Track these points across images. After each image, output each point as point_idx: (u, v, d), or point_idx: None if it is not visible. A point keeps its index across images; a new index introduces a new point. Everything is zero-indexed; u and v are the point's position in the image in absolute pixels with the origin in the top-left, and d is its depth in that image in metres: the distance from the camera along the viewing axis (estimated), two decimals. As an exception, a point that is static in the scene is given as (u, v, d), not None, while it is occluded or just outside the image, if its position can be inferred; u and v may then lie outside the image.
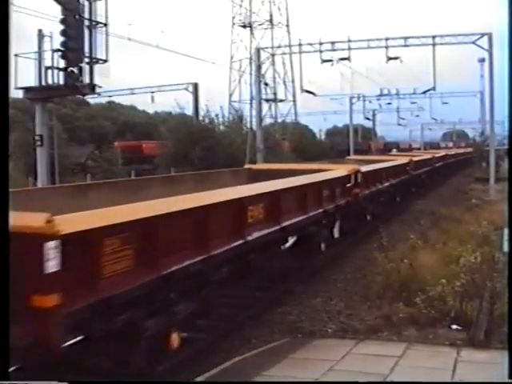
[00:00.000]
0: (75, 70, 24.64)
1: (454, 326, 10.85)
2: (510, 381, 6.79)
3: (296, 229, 13.18)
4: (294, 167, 20.33)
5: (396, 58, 41.07)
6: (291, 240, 13.34)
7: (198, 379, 8.44)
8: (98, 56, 25.21)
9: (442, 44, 39.48)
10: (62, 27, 23.83)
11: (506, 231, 10.27)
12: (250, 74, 55.53)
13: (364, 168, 19.95)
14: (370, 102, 67.21)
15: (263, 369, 8.75)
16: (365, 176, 19.64)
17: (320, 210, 14.72)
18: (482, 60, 52.62)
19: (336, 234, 16.57)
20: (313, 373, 8.55)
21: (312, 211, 14.07)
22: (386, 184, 24.53)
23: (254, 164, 27.96)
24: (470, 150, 79.58)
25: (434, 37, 39.21)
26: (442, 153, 55.15)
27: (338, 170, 17.59)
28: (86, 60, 24.78)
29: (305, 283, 14.13)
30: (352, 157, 34.69)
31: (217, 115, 48.26)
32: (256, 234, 10.82)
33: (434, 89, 44.39)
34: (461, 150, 76.75)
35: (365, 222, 20.89)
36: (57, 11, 23.93)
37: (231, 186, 11.90)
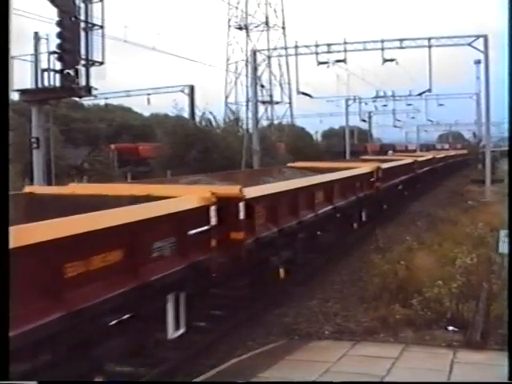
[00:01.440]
0: (71, 72, 24.60)
1: (451, 328, 10.88)
2: (510, 381, 6.83)
3: None
4: (112, 191, 10.57)
5: (392, 60, 41.11)
6: None
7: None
8: (94, 58, 25.19)
9: (437, 46, 39.51)
10: (58, 29, 23.77)
11: (502, 233, 10.31)
12: (246, 76, 55.62)
13: (262, 190, 12.46)
14: (366, 103, 67.22)
15: (260, 370, 8.75)
16: (269, 205, 12.28)
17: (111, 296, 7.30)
18: (477, 62, 52.71)
19: (172, 332, 8.72)
20: (309, 374, 8.56)
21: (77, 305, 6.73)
22: (327, 208, 16.35)
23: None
24: (464, 151, 79.44)
25: (429, 39, 39.23)
26: (428, 156, 48.06)
27: (183, 199, 9.44)
28: (83, 62, 24.75)
29: (301, 285, 14.14)
30: (299, 164, 23.57)
31: (214, 117, 48.47)
32: None
33: (429, 90, 44.37)
34: (452, 152, 74.15)
35: (276, 281, 12.65)
36: (53, 13, 23.91)
37: None
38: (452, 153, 71.37)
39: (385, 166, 25.11)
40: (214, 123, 49.17)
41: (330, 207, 16.57)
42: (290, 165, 23.08)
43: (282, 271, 12.49)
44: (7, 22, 4.91)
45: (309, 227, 14.72)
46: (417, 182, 35.81)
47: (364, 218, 20.53)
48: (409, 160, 35.10)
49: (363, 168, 22.23)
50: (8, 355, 4.76)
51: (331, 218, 16.82)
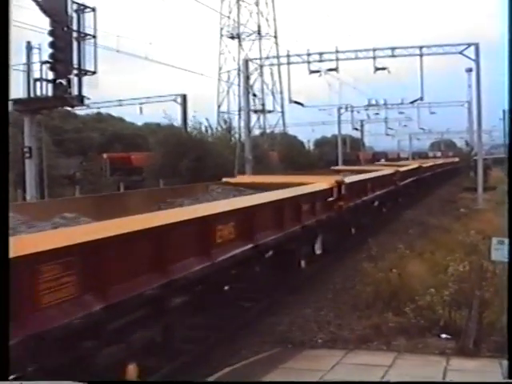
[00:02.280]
0: (64, 81, 24.64)
1: (444, 335, 10.90)
2: (509, 381, 6.89)
3: None
4: None
5: (384, 69, 41.29)
6: None
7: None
8: (87, 68, 25.24)
9: (429, 54, 39.69)
10: (50, 39, 23.81)
11: (494, 240, 10.35)
12: (239, 85, 55.66)
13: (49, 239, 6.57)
14: (358, 112, 67.48)
15: (253, 379, 8.75)
16: (78, 262, 6.72)
17: None
18: (469, 70, 52.93)
19: None
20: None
21: None
22: (242, 250, 10.95)
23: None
24: (455, 159, 79.29)
25: (421, 47, 39.40)
26: (412, 164, 42.85)
27: None
28: (75, 72, 24.80)
29: (295, 294, 14.14)
30: (239, 178, 19.64)
31: (207, 127, 48.70)
32: None
33: (421, 99, 44.60)
34: (440, 160, 70.65)
35: None
36: (45, 23, 23.95)
37: None
38: (440, 161, 68.78)
39: (351, 179, 20.07)
40: (208, 131, 49.36)
41: (247, 247, 11.19)
42: (225, 180, 17.95)
43: (131, 370, 7.66)
44: (7, 33, 4.95)
45: (199, 284, 9.70)
46: (399, 196, 31.08)
47: (318, 251, 15.84)
48: (388, 171, 29.92)
49: (318, 184, 16.56)
50: (8, 355, 4.79)
51: (253, 263, 11.80)
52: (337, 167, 32.83)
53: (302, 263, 14.58)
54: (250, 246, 11.28)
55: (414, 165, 42.79)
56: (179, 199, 12.78)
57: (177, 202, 12.33)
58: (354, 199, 20.01)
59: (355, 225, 20.17)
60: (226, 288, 10.73)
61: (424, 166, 45.61)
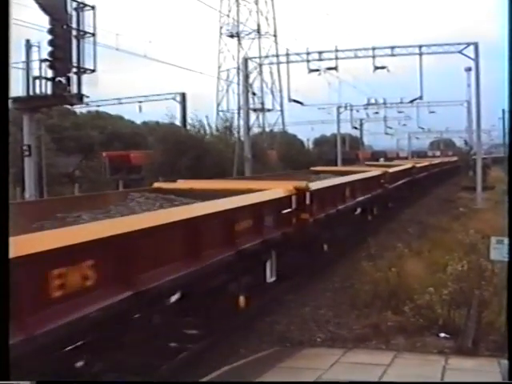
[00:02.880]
0: (63, 79, 24.58)
1: (442, 334, 10.90)
2: (509, 382, 6.90)
3: None
4: None
5: (383, 68, 41.31)
6: None
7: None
8: (86, 66, 25.20)
9: (428, 53, 39.69)
10: (49, 37, 23.77)
11: (493, 240, 10.36)
12: (238, 83, 55.62)
13: None
14: (358, 111, 67.37)
15: (252, 378, 8.74)
16: None
17: None
18: (468, 69, 52.87)
19: None
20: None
21: None
22: (110, 302, 6.98)
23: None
24: (454, 158, 79.07)
25: (420, 46, 39.39)
26: (405, 165, 38.36)
27: None
28: (74, 70, 24.75)
29: (293, 293, 14.11)
30: (174, 184, 14.97)
31: (205, 126, 48.73)
32: None
33: (420, 98, 44.60)
34: (437, 160, 65.89)
35: None
36: (45, 21, 23.91)
37: None
38: (437, 160, 65.42)
39: (319, 185, 16.19)
40: (207, 130, 49.40)
41: (121, 296, 7.22)
42: (157, 185, 14.34)
43: None
44: (7, 32, 4.94)
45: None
46: (388, 201, 27.37)
47: (271, 278, 12.42)
48: (374, 172, 25.81)
49: (269, 192, 12.77)
50: (8, 355, 4.78)
51: (140, 317, 7.97)
52: (316, 168, 27.74)
53: (241, 300, 10.80)
54: (126, 294, 7.28)
55: (407, 165, 38.92)
56: (76, 213, 9.47)
57: (70, 218, 9.15)
58: (326, 209, 16.40)
59: (328, 240, 16.50)
60: (80, 365, 6.82)
61: (418, 165, 42.16)
